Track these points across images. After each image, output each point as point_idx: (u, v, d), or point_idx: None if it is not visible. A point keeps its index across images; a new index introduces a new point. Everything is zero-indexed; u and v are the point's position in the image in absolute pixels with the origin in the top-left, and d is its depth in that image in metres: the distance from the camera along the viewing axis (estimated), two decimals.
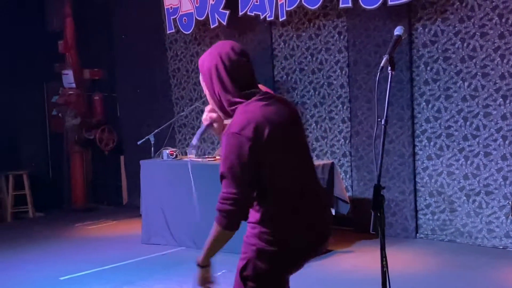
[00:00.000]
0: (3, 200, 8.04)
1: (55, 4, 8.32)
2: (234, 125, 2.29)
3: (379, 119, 2.51)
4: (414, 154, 5.80)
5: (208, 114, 2.52)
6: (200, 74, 2.52)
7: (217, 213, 2.33)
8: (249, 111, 2.33)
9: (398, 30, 2.67)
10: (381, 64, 2.54)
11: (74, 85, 8.22)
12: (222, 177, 2.30)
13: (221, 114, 2.46)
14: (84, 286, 4.77)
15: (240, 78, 2.42)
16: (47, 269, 5.29)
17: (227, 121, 2.44)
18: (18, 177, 8.05)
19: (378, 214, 2.41)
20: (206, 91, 2.48)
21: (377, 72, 2.50)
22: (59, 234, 6.83)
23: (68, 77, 8.24)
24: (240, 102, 2.37)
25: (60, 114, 8.44)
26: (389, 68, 2.57)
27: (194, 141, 2.66)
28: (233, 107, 2.37)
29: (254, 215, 2.38)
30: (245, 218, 2.36)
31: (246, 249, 2.42)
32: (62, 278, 4.99)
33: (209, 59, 2.46)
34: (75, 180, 8.47)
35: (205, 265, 2.49)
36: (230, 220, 2.32)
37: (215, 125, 2.52)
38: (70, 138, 8.44)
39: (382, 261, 2.46)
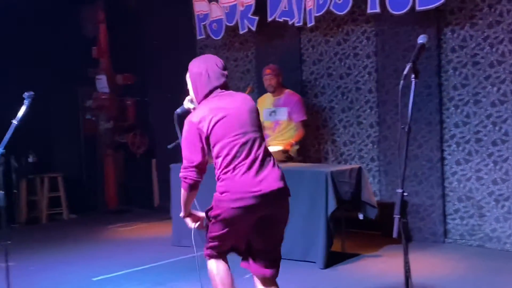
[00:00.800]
0: (39, 202, 8.24)
1: (89, 11, 8.52)
2: (190, 116, 3.34)
3: (402, 126, 2.57)
4: (442, 159, 5.81)
5: (187, 101, 3.65)
6: (188, 73, 3.49)
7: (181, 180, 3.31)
8: (203, 105, 3.36)
9: (421, 39, 2.72)
10: (405, 72, 2.60)
11: (107, 90, 8.40)
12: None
13: (196, 103, 3.49)
14: (116, 286, 4.88)
15: (213, 85, 3.39)
16: (81, 270, 5.43)
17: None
18: (53, 180, 8.25)
19: (402, 220, 2.47)
20: (190, 86, 3.50)
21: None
22: (92, 236, 6.99)
23: (102, 82, 8.43)
24: (204, 98, 3.39)
25: (93, 118, 8.62)
26: (413, 76, 2.62)
27: (178, 111, 3.78)
28: (200, 103, 3.40)
29: (216, 174, 3.34)
30: (199, 180, 3.37)
31: (213, 198, 3.36)
32: (95, 279, 5.11)
33: (197, 66, 3.45)
34: (108, 182, 8.65)
35: (187, 215, 3.57)
36: (188, 185, 3.37)
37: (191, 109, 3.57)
38: (103, 142, 8.62)
39: (405, 266, 2.51)
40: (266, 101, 6.31)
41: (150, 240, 6.63)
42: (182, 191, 3.38)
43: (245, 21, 6.77)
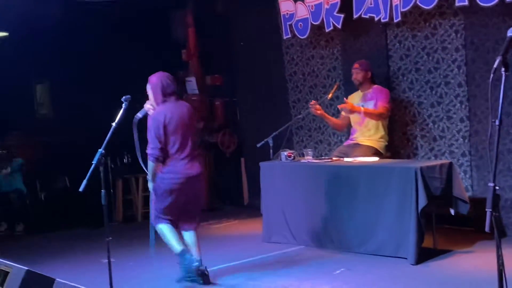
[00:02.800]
0: (134, 201, 8.60)
1: (178, 15, 8.80)
2: (154, 113, 4.82)
3: (493, 120, 2.56)
4: None
5: (148, 105, 4.96)
6: (149, 84, 4.96)
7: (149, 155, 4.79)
8: (162, 107, 4.83)
9: (511, 31, 2.69)
10: (494, 66, 2.59)
11: (197, 91, 8.65)
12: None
13: (155, 106, 4.88)
14: None
15: (166, 92, 4.89)
16: (175, 265, 5.61)
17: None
18: (147, 180, 8.55)
19: (494, 214, 2.46)
20: (150, 94, 4.93)
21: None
22: None
23: (191, 84, 8.69)
24: (162, 102, 4.87)
25: None
26: (503, 69, 2.60)
27: (139, 115, 4.98)
28: (158, 105, 4.86)
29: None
30: (160, 159, 4.81)
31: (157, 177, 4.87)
32: None
33: (156, 79, 4.94)
34: None
35: (154, 181, 4.90)
36: (155, 159, 4.79)
37: (150, 112, 4.91)
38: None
39: (498, 261, 2.50)
40: (355, 98, 6.38)
41: (241, 236, 6.79)
42: (151, 163, 4.81)
43: (331, 19, 6.80)
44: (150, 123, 4.80)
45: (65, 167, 8.45)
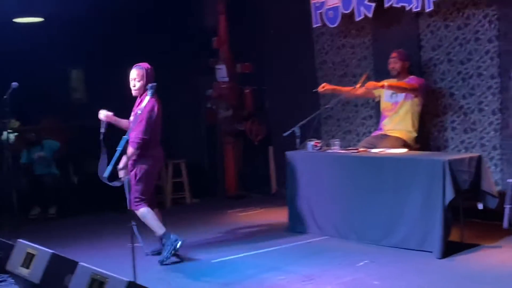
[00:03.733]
0: (164, 187, 8.69)
1: (209, 3, 8.81)
2: (151, 107, 5.18)
3: None
4: None
5: (102, 116, 5.34)
6: (146, 70, 5.32)
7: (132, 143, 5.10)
8: (153, 100, 5.17)
9: None
10: None
11: (227, 79, 8.65)
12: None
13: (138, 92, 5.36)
14: (234, 269, 5.08)
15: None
16: (201, 252, 5.69)
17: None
18: (176, 166, 8.65)
19: None
20: (142, 80, 5.29)
21: None
22: (212, 220, 7.28)
23: (221, 72, 8.69)
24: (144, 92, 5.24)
25: (213, 107, 8.92)
26: None
27: (103, 130, 5.20)
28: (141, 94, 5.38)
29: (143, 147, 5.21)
30: (145, 149, 5.17)
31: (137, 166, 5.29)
32: (214, 261, 5.35)
33: (150, 67, 5.37)
34: (228, 169, 8.93)
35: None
36: (137, 147, 5.13)
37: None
38: (223, 129, 8.91)
39: None
40: (392, 82, 6.27)
41: (267, 225, 6.80)
42: (132, 150, 5.10)
43: (362, 8, 6.72)
44: (147, 115, 5.12)
45: (97, 151, 8.56)
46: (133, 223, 4.31)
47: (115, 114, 5.41)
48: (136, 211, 5.24)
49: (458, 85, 6.33)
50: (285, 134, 6.44)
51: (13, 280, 4.72)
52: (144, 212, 5.27)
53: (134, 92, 5.37)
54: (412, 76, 6.30)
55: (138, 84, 5.30)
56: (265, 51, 8.60)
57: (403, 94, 6.20)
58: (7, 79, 5.98)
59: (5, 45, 7.86)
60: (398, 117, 6.25)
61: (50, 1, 7.62)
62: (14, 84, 5.92)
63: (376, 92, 6.46)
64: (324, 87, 6.36)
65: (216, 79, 8.75)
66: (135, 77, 5.33)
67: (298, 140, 6.30)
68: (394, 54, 6.34)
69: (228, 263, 5.29)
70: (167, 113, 8.67)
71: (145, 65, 5.37)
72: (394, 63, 6.31)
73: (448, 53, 6.37)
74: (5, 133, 6.67)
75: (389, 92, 6.28)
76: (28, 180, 8.17)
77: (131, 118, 5.38)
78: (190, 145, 9.36)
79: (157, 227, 5.30)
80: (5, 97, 5.92)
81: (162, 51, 8.48)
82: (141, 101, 5.21)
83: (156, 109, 5.21)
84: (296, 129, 6.29)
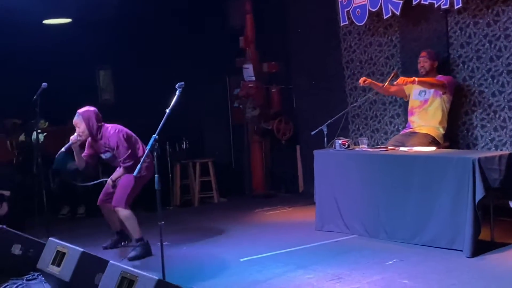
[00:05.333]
0: (191, 186, 8.73)
1: (236, 3, 8.83)
2: (118, 134, 5.66)
3: None
4: None
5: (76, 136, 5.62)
6: (82, 118, 5.62)
7: (124, 167, 5.64)
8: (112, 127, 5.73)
9: None
10: None
11: (253, 78, 8.67)
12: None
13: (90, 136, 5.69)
14: (262, 267, 5.07)
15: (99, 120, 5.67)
16: (229, 250, 5.71)
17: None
18: (204, 165, 8.69)
19: None
20: (84, 128, 5.62)
21: None
22: (240, 219, 7.29)
23: (248, 71, 8.71)
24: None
25: (241, 106, 8.94)
26: None
27: (63, 149, 5.64)
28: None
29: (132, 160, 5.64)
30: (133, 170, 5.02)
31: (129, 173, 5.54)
32: (242, 260, 5.35)
33: (87, 114, 5.65)
34: (255, 168, 8.94)
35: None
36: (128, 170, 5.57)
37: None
38: (250, 128, 8.92)
39: None
40: (421, 78, 6.22)
41: (294, 224, 6.80)
42: (125, 171, 5.63)
43: (389, 6, 6.68)
44: (122, 140, 5.61)
45: None
46: (162, 222, 4.33)
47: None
48: (121, 209, 5.58)
49: (488, 83, 6.25)
50: (312, 133, 6.43)
51: (43, 278, 4.80)
52: (130, 213, 5.63)
53: (82, 139, 5.71)
54: (440, 76, 6.26)
55: (82, 131, 5.64)
56: (292, 50, 8.59)
57: (432, 91, 6.16)
58: (37, 80, 6.06)
59: (35, 46, 7.99)
60: (427, 114, 6.21)
61: (79, 2, 7.70)
62: (44, 84, 5.99)
63: (407, 91, 6.41)
64: (365, 80, 6.32)
65: (243, 79, 8.77)
66: (77, 125, 5.67)
67: (325, 139, 6.29)
68: (423, 54, 6.31)
69: (256, 261, 5.29)
70: (195, 113, 8.85)
71: (84, 111, 5.67)
72: (424, 62, 6.28)
73: (477, 51, 6.29)
74: (34, 133, 6.77)
75: (418, 90, 6.24)
76: (57, 180, 8.27)
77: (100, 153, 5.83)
78: (217, 144, 9.40)
79: (137, 230, 5.64)
80: (34, 98, 6.00)
81: (190, 51, 8.53)
82: (102, 138, 5.66)
83: (122, 133, 5.65)
84: (324, 128, 6.28)
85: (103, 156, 5.84)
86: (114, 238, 6.01)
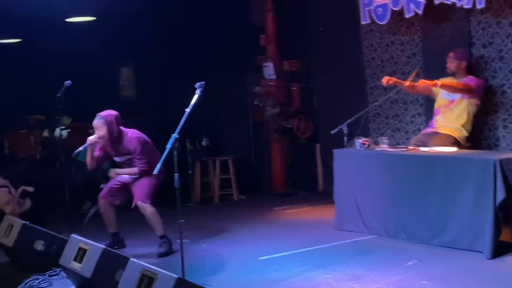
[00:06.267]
0: (211, 183, 8.77)
1: (257, 0, 8.84)
2: (139, 137, 5.76)
3: None
4: None
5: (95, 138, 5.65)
6: (104, 122, 5.64)
7: (139, 170, 5.73)
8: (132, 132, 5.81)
9: None
10: None
11: (274, 77, 8.67)
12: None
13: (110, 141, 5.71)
14: (280, 266, 5.09)
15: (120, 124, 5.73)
16: (248, 249, 5.73)
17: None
18: (224, 162, 8.73)
19: None
20: (105, 133, 5.65)
21: None
22: (259, 217, 7.31)
23: (269, 69, 8.72)
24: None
25: (261, 104, 8.94)
26: None
27: (76, 151, 5.67)
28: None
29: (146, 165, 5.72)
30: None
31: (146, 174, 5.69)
32: (261, 258, 5.37)
33: (110, 118, 5.67)
34: (275, 166, 8.96)
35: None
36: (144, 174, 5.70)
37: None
38: (270, 127, 8.93)
39: None
40: (446, 82, 6.18)
41: (313, 223, 6.80)
42: (138, 171, 5.72)
43: (411, 5, 6.63)
44: (141, 146, 5.69)
45: None
46: (182, 220, 4.36)
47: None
48: (147, 206, 5.63)
49: (510, 83, 6.19)
50: (333, 132, 6.42)
51: (65, 274, 4.86)
52: (154, 209, 5.68)
53: (100, 142, 5.73)
54: (470, 77, 6.15)
55: (103, 135, 5.66)
56: (313, 48, 8.57)
57: (459, 96, 6.08)
58: (60, 78, 6.13)
59: (58, 44, 8.09)
60: (452, 115, 6.14)
61: (102, 1, 7.78)
62: (68, 82, 6.06)
63: (435, 89, 6.35)
64: (388, 80, 6.28)
65: (264, 77, 8.78)
66: (97, 129, 5.68)
67: (345, 138, 6.27)
68: (451, 54, 6.23)
69: (275, 260, 5.30)
70: (215, 111, 8.87)
71: (106, 115, 5.69)
72: (450, 62, 6.21)
73: (500, 50, 6.24)
74: (58, 129, 6.84)
75: (443, 95, 6.17)
76: (80, 176, 8.35)
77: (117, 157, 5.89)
78: (237, 142, 9.42)
79: (160, 226, 5.70)
80: (58, 95, 6.07)
81: (211, 49, 8.56)
82: (121, 142, 5.71)
83: (141, 139, 5.73)
84: (344, 127, 6.26)
85: (117, 159, 5.86)
86: (109, 241, 5.87)
